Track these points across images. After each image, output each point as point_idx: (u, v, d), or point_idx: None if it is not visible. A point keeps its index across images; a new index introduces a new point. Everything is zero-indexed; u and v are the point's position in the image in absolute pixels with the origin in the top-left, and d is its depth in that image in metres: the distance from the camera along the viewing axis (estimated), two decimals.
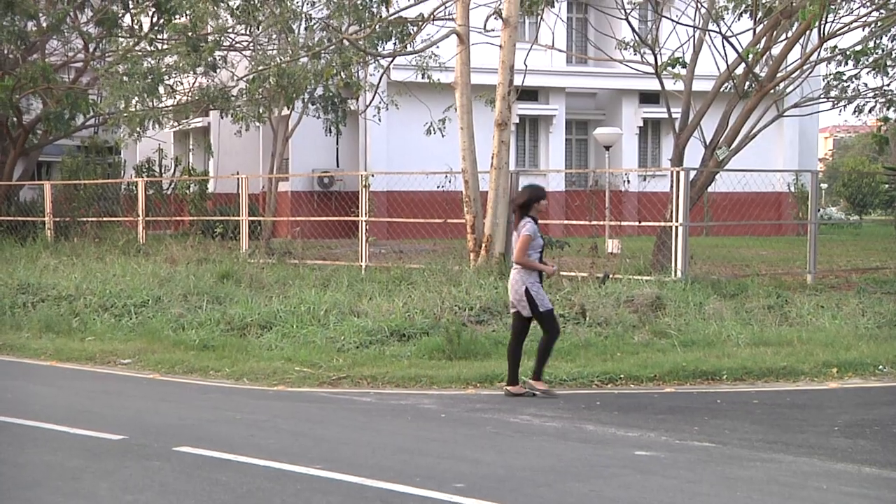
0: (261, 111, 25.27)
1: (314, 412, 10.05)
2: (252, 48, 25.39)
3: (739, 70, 19.09)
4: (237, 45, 26.10)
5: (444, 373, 11.56)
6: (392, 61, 22.92)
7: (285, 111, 26.07)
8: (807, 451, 8.15)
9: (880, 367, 11.79)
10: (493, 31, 18.69)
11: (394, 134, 31.12)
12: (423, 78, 24.29)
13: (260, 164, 32.35)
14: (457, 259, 18.71)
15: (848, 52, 18.96)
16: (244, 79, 24.27)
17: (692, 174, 18.11)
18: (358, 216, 20.69)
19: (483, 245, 17.94)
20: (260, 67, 23.19)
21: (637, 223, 24.37)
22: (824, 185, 48.44)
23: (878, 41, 20.59)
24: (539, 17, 23.35)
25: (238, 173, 25.62)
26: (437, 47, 21.69)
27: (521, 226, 10.60)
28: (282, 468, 7.45)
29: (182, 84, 26.62)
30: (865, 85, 21.01)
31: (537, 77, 29.58)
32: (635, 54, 19.99)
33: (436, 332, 13.12)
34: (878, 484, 7.18)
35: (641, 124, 36.52)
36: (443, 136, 21.45)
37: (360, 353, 12.72)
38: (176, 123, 28.82)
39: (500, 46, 17.88)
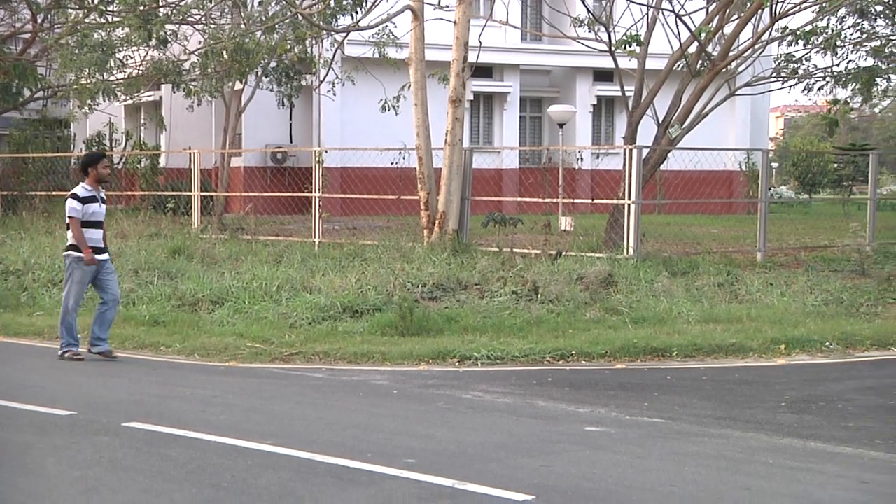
0: (214, 84, 25.02)
1: (266, 388, 10.01)
2: (205, 22, 25.10)
3: (692, 49, 19.18)
4: (190, 19, 25.79)
5: (396, 349, 11.56)
6: (346, 37, 22.78)
7: (238, 85, 25.85)
8: (754, 427, 8.25)
9: (827, 343, 11.94)
10: (447, 6, 18.65)
11: (348, 110, 30.94)
12: (377, 54, 24.17)
13: (212, 139, 32.06)
14: (410, 236, 18.71)
15: (798, 33, 19.10)
16: (197, 53, 24.02)
17: (645, 152, 18.21)
18: (311, 192, 20.59)
19: (437, 222, 17.94)
20: (213, 42, 22.96)
21: (590, 201, 24.46)
22: (775, 165, 48.85)
23: (827, 22, 20.76)
24: None
25: (190, 148, 25.39)
26: (393, 24, 21.59)
27: None
28: (232, 444, 7.41)
29: (133, 57, 26.29)
30: (815, 65, 21.21)
31: (492, 54, 29.53)
32: (590, 32, 20.01)
33: (389, 308, 13.11)
34: (823, 458, 7.28)
35: (595, 102, 36.60)
36: (396, 113, 21.37)
37: (312, 329, 12.69)
38: (127, 97, 28.45)
39: (455, 23, 17.84)
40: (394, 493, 6.28)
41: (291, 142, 32.65)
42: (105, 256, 11.30)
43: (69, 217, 11.12)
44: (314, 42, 25.53)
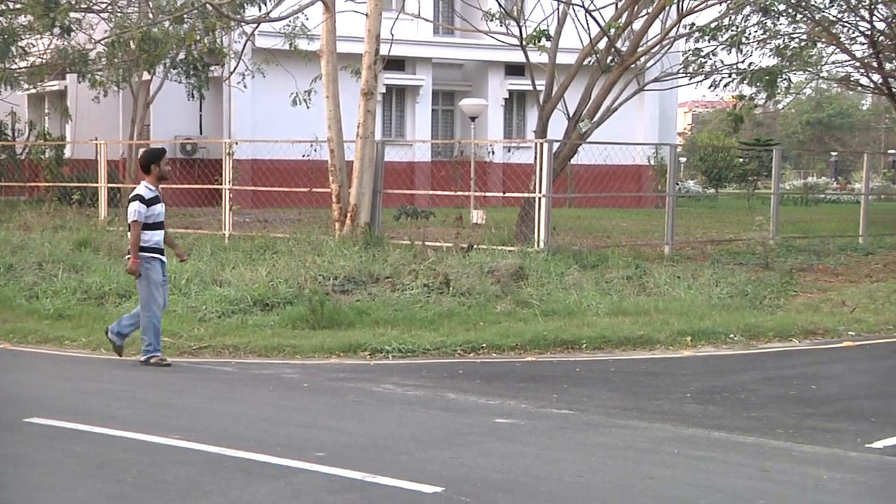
0: (121, 75, 24.61)
1: (174, 382, 9.89)
2: (111, 10, 24.67)
3: (602, 44, 19.39)
4: (95, 7, 25.32)
5: (307, 342, 11.50)
6: (256, 27, 22.60)
7: (146, 76, 25.45)
8: (660, 418, 8.38)
9: (731, 335, 12.17)
10: None
11: (259, 101, 30.69)
12: (288, 46, 24.00)
13: (120, 130, 31.54)
14: (322, 228, 18.63)
15: (705, 29, 19.42)
16: (103, 42, 23.60)
17: (555, 146, 18.36)
18: (221, 184, 20.39)
19: (348, 215, 17.89)
20: (119, 31, 22.57)
21: (501, 194, 24.63)
22: (683, 159, 49.62)
23: (732, 18, 21.16)
24: None
25: (97, 139, 24.94)
26: (304, 15, 21.44)
27: None
28: (138, 438, 7.32)
29: (36, 46, 25.73)
30: (721, 61, 21.58)
31: (404, 47, 29.46)
32: (501, 26, 20.12)
33: (300, 301, 13.03)
34: (726, 447, 7.43)
35: (507, 96, 36.82)
36: (308, 107, 21.23)
37: (222, 322, 12.56)
38: (30, 86, 27.84)
39: (367, 15, 17.78)
40: (303, 487, 6.26)
41: (201, 133, 32.28)
42: (164, 259, 10.61)
43: (132, 220, 10.34)
44: (224, 33, 25.25)
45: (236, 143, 22.23)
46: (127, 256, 10.60)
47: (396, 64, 32.48)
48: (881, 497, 6.23)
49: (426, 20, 26.17)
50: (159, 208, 10.50)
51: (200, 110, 32.05)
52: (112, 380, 9.94)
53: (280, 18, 20.66)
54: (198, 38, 22.01)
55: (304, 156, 21.54)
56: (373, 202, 18.19)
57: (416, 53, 34.16)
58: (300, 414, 8.47)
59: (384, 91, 33.01)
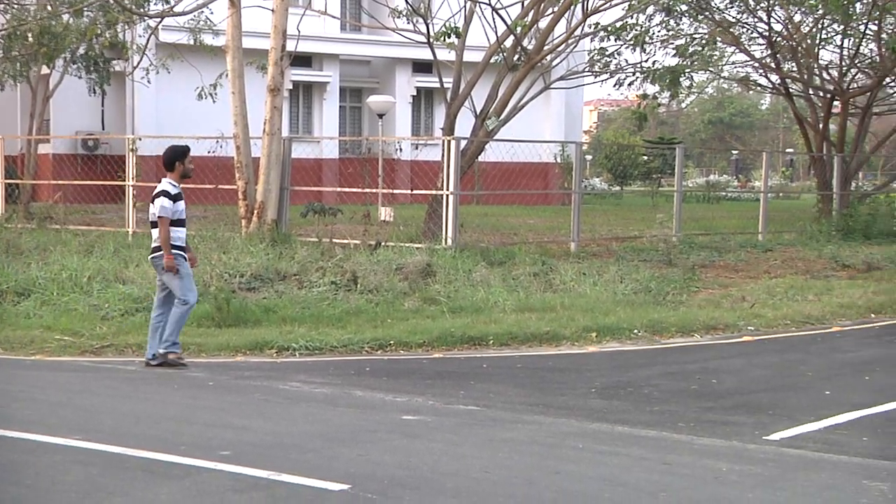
0: (18, 69, 24.04)
1: (74, 382, 9.71)
2: (7, 2, 24.07)
3: (509, 42, 19.52)
4: None
5: (212, 340, 11.38)
6: (160, 22, 22.26)
7: (45, 70, 24.90)
8: (566, 413, 8.47)
9: (636, 330, 12.35)
10: None
11: (163, 97, 30.25)
12: (193, 41, 23.70)
13: (18, 125, 30.83)
14: (228, 226, 18.44)
15: (609, 29, 19.67)
16: None
17: (463, 143, 18.43)
18: (125, 181, 20.05)
19: (255, 212, 17.74)
20: (17, 23, 22.04)
21: (409, 191, 24.62)
22: (589, 157, 50.20)
23: (636, 18, 21.47)
24: None
25: None
26: (209, 10, 21.21)
27: None
28: (38, 440, 7.16)
29: None
30: (626, 60, 21.90)
31: (311, 43, 29.33)
32: (408, 23, 20.13)
33: (205, 299, 12.84)
34: (629, 441, 7.54)
35: (415, 93, 36.84)
36: (214, 101, 20.99)
37: (125, 320, 12.36)
38: None
39: (273, 11, 17.64)
40: (207, 486, 6.19)
41: (104, 129, 31.69)
42: (186, 256, 10.41)
43: (159, 217, 10.13)
44: (126, 27, 24.81)
45: (139, 139, 21.88)
46: (154, 255, 10.39)
47: (303, 60, 32.31)
48: (778, 488, 6.39)
49: (333, 17, 26.07)
50: (183, 205, 10.38)
51: (103, 105, 31.46)
52: (9, 380, 9.71)
53: (184, 13, 20.40)
54: (99, 32, 21.58)
55: (209, 152, 21.26)
56: (280, 199, 18.06)
57: (324, 50, 34.00)
58: (205, 413, 8.37)
59: (291, 87, 32.79)
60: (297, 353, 11.05)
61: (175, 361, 10.24)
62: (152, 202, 10.34)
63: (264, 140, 17.72)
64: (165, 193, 10.25)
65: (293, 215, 19.65)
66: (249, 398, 8.95)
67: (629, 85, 23.31)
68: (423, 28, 19.23)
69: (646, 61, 21.87)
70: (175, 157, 10.42)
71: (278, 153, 17.84)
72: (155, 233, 10.33)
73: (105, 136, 30.39)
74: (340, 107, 36.26)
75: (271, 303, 13.12)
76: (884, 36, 25.21)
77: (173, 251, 10.20)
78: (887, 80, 28.88)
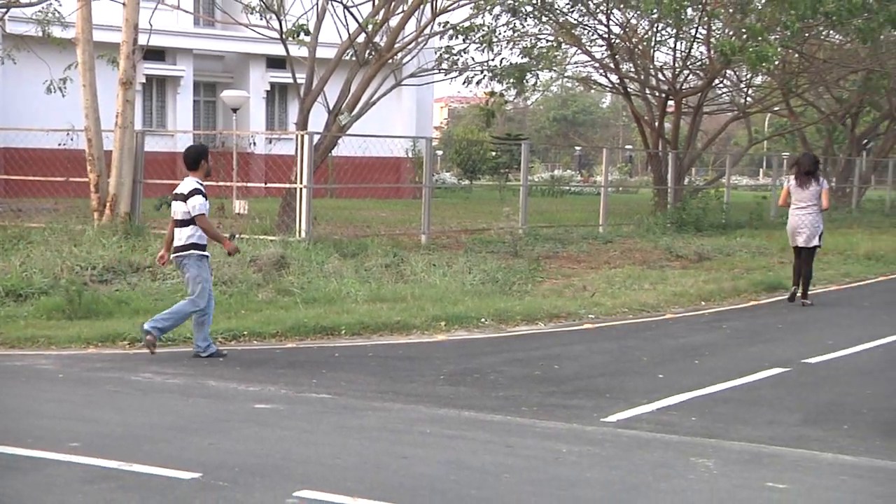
0: None
1: None
2: None
3: (361, 39, 19.48)
4: None
5: (63, 333, 11.04)
6: (6, 13, 21.44)
7: None
8: (415, 399, 8.52)
9: (483, 319, 12.50)
10: None
11: (11, 89, 29.20)
12: (42, 33, 22.89)
13: None
14: (80, 218, 17.91)
15: (458, 28, 19.83)
16: None
17: (316, 138, 18.34)
18: None
19: (108, 204, 17.30)
20: None
21: (264, 185, 24.37)
22: (439, 152, 50.50)
23: (484, 18, 21.70)
24: None
25: None
26: (59, 3, 20.55)
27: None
28: None
29: None
30: (473, 59, 22.11)
31: (164, 37, 28.72)
32: (261, 19, 19.90)
33: (55, 291, 12.50)
34: (475, 426, 7.63)
35: (269, 88, 36.45)
36: (63, 95, 20.31)
37: None
38: None
39: (124, 4, 17.20)
40: (57, 478, 6.02)
41: None
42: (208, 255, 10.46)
43: (199, 214, 9.98)
44: None
45: None
46: (178, 254, 10.17)
47: (156, 54, 31.61)
48: (613, 467, 6.56)
49: (186, 11, 25.54)
50: (208, 203, 10.23)
51: None
52: None
53: (31, 4, 19.71)
54: None
55: (60, 145, 20.64)
56: (133, 192, 17.65)
57: (177, 44, 33.34)
58: (54, 405, 8.13)
59: (144, 81, 32.07)
60: None
61: (150, 344, 10.13)
62: (179, 201, 10.12)
63: (116, 133, 17.28)
64: (200, 192, 10.10)
65: (147, 208, 19.23)
66: (101, 390, 8.73)
67: (477, 83, 23.56)
68: (276, 24, 19.03)
69: (493, 60, 22.13)
70: (200, 156, 10.28)
71: (131, 146, 17.43)
72: (178, 231, 10.13)
73: None
74: (194, 101, 35.60)
75: (124, 295, 12.82)
76: (713, 40, 26.08)
77: (199, 252, 10.15)
78: (716, 81, 29.92)
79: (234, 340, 11.20)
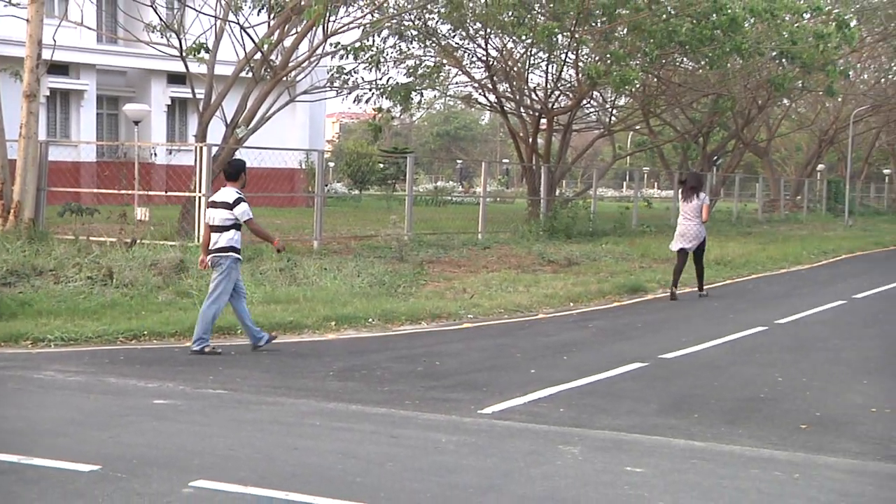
0: None
1: None
2: None
3: (257, 58, 19.28)
4: None
5: None
6: None
7: None
8: (306, 394, 8.46)
9: (370, 319, 12.48)
10: (19, 4, 17.41)
11: None
12: None
13: None
14: None
15: (348, 48, 19.78)
16: None
17: (214, 150, 18.08)
18: None
19: (12, 211, 16.76)
20: None
21: (164, 193, 23.90)
22: (331, 164, 50.26)
23: (372, 40, 21.68)
24: None
25: None
26: None
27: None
28: None
29: None
30: (362, 78, 22.08)
31: (68, 53, 28.01)
32: (162, 37, 19.53)
33: None
34: (361, 418, 7.60)
35: (170, 102, 35.79)
36: None
37: None
38: None
39: (28, 20, 16.69)
40: None
41: None
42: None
43: (249, 219, 10.35)
44: None
45: None
46: (216, 255, 10.30)
47: (60, 68, 30.75)
48: (488, 454, 6.62)
49: (90, 28, 24.86)
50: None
51: None
52: None
53: None
54: None
55: None
56: (37, 199, 17.16)
57: (80, 59, 32.48)
58: None
59: (48, 94, 31.15)
60: (53, 345, 10.51)
61: (211, 353, 10.19)
62: (220, 209, 10.31)
63: (21, 143, 16.76)
64: (243, 199, 10.36)
65: (51, 215, 18.69)
66: (3, 388, 8.43)
67: (367, 101, 23.53)
68: (176, 43, 18.70)
69: (381, 79, 22.13)
70: (240, 170, 10.58)
71: (35, 156, 16.93)
72: (216, 236, 10.31)
73: None
74: (98, 113, 34.72)
75: (27, 297, 12.42)
76: (581, 64, 26.54)
77: (234, 255, 10.34)
78: (584, 101, 30.44)
79: (134, 340, 10.96)
